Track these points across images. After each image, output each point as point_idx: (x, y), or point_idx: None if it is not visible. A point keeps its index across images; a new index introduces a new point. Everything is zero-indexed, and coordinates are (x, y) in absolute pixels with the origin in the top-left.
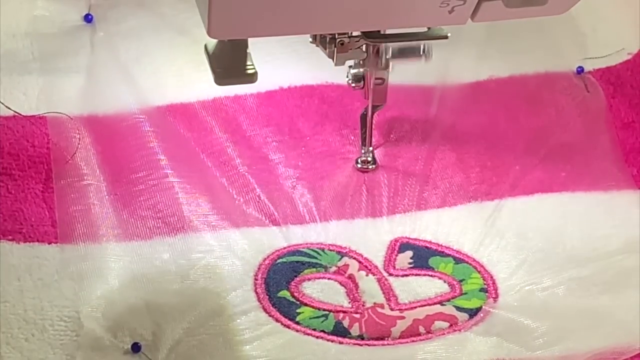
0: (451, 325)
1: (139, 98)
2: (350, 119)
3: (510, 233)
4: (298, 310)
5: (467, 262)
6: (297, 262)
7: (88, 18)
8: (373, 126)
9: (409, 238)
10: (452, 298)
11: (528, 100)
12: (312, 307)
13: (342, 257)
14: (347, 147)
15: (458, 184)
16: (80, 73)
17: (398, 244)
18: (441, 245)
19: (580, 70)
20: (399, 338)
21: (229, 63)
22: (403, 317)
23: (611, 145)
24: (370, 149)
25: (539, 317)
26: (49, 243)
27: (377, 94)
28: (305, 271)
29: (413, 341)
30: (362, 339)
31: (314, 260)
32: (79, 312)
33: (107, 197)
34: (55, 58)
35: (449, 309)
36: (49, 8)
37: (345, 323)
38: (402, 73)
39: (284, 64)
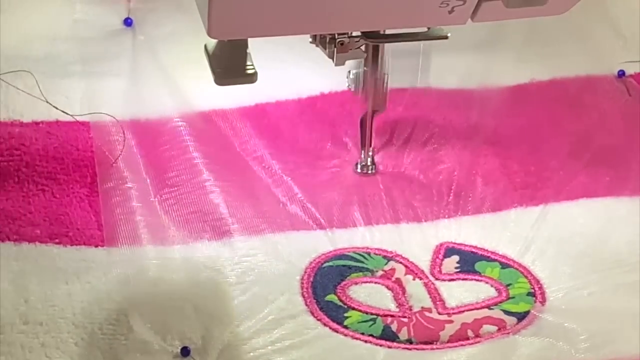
0: (499, 329)
1: (180, 102)
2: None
3: (556, 238)
4: (346, 314)
5: (513, 267)
6: (343, 266)
7: (128, 22)
8: (372, 130)
9: (454, 243)
10: (500, 302)
11: (570, 103)
12: (360, 311)
13: (388, 261)
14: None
15: (502, 189)
16: (122, 77)
17: (443, 248)
18: (487, 250)
19: (621, 74)
20: (448, 342)
21: (229, 63)
22: (451, 321)
23: None
24: (370, 153)
25: (585, 320)
26: (96, 246)
27: (376, 99)
28: (352, 275)
29: (462, 345)
30: (411, 343)
31: (360, 264)
32: (128, 316)
33: (152, 200)
34: (96, 62)
35: (496, 313)
36: (88, 12)
37: (394, 327)
38: (442, 77)
39: (323, 68)
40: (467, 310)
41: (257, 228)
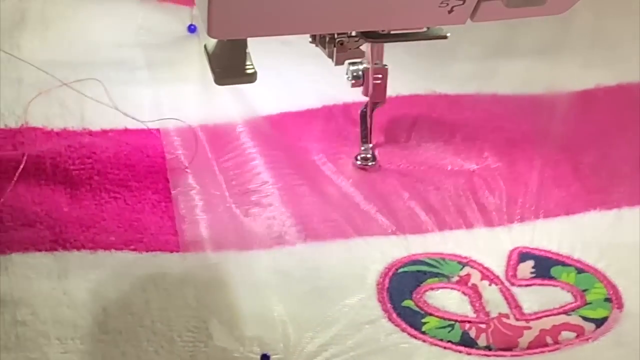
0: (578, 335)
1: (248, 107)
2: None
3: (631, 242)
4: (423, 320)
5: (589, 272)
6: (418, 271)
7: (191, 28)
8: (372, 123)
9: (528, 247)
10: (577, 308)
11: (637, 108)
12: (438, 317)
13: (463, 266)
14: (463, 155)
15: (575, 193)
16: (189, 83)
17: (517, 253)
18: (561, 255)
19: None
20: (527, 349)
21: (229, 63)
22: (529, 328)
23: None
24: (370, 146)
25: None
26: (171, 252)
27: (376, 92)
28: (428, 280)
29: (542, 352)
30: (490, 349)
31: (435, 270)
32: (207, 322)
33: (226, 204)
34: (162, 68)
35: (575, 319)
36: (152, 19)
37: (472, 333)
38: (507, 82)
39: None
40: (545, 317)
41: (331, 232)
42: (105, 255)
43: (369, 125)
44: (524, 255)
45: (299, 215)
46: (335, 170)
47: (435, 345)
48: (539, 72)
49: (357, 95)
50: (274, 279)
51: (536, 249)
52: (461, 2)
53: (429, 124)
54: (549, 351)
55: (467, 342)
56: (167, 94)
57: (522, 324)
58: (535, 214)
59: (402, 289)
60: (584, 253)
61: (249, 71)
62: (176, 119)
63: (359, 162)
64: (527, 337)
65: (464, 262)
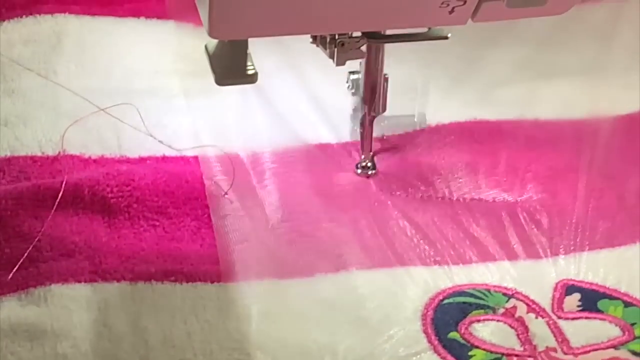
0: None
1: (287, 135)
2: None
3: None
4: (470, 353)
5: (637, 306)
6: (464, 302)
7: None
8: (372, 132)
9: (574, 280)
10: (626, 342)
11: None
12: (484, 349)
13: (509, 298)
14: (506, 186)
15: (620, 224)
16: (226, 109)
17: (563, 285)
18: (608, 288)
19: None
20: None
21: (229, 63)
22: None
23: None
24: (370, 154)
25: None
26: (212, 282)
27: (376, 101)
28: (474, 312)
29: None
30: None
31: (481, 302)
32: (250, 355)
33: (267, 232)
34: (200, 94)
35: (624, 354)
36: (188, 44)
37: None
38: (550, 106)
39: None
40: (593, 350)
41: (377, 262)
42: (146, 288)
43: (367, 135)
44: (570, 288)
45: (341, 243)
46: (378, 199)
47: None
48: (581, 95)
49: None
50: (316, 309)
51: (582, 281)
52: (462, 3)
53: (470, 153)
54: None
55: None
56: (204, 122)
57: (570, 358)
58: (581, 245)
59: (448, 321)
60: (631, 286)
61: (249, 72)
62: (213, 145)
63: (358, 171)
64: None
65: (510, 294)
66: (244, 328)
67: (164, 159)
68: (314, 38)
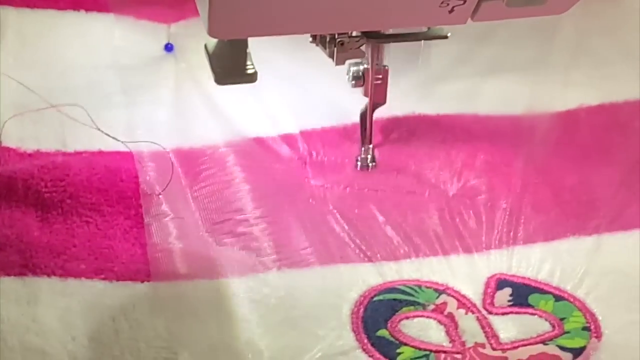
0: None
1: (224, 130)
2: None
3: (610, 270)
4: (398, 350)
5: (567, 300)
6: (394, 299)
7: (168, 47)
8: (373, 125)
9: (506, 274)
10: (555, 337)
11: (621, 130)
12: (413, 346)
13: (439, 294)
14: (442, 179)
15: (554, 219)
16: (165, 105)
17: (495, 280)
18: (540, 282)
19: None
20: None
21: (229, 63)
22: (505, 358)
23: None
24: (370, 147)
25: None
26: (142, 281)
27: (377, 93)
28: (403, 309)
29: None
30: None
31: (411, 298)
32: (177, 354)
33: (198, 232)
34: (138, 90)
35: (552, 349)
36: (129, 39)
37: None
38: (487, 101)
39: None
40: (522, 346)
41: (306, 260)
42: (76, 284)
43: (368, 127)
44: (501, 283)
45: (274, 243)
46: (313, 194)
47: None
48: (520, 91)
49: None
50: (247, 309)
51: (514, 275)
52: (462, 2)
53: (408, 147)
54: None
55: None
56: (142, 117)
57: (499, 353)
58: (514, 240)
59: (377, 318)
60: (563, 280)
61: (249, 71)
62: (152, 142)
63: (359, 164)
64: None
65: (441, 290)
66: (172, 327)
67: (101, 153)
68: (314, 37)
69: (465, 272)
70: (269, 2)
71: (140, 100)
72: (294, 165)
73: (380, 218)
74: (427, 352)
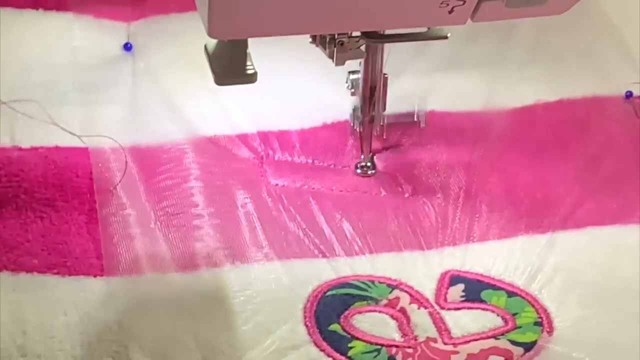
0: (506, 359)
1: (181, 128)
2: None
3: (563, 266)
4: (350, 345)
5: (520, 296)
6: (347, 294)
7: (127, 47)
8: (372, 133)
9: (459, 271)
10: (506, 332)
11: (577, 126)
12: (364, 341)
13: (392, 289)
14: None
15: (508, 217)
16: (122, 104)
17: (448, 276)
18: (493, 278)
19: (629, 95)
20: None
21: (229, 63)
22: (457, 352)
23: None
24: (370, 154)
25: (595, 351)
26: (95, 276)
27: (376, 101)
28: (356, 304)
29: None
30: None
31: (364, 293)
32: (127, 348)
33: (152, 227)
34: (96, 89)
35: (503, 343)
36: (88, 38)
37: (398, 358)
38: (444, 98)
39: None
40: (473, 340)
41: (260, 256)
42: (28, 279)
43: (367, 135)
44: (455, 279)
45: (228, 238)
46: (268, 192)
47: None
48: (477, 87)
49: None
50: (198, 303)
51: (467, 272)
52: (461, 3)
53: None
54: None
55: None
56: (98, 115)
57: (450, 348)
58: (468, 237)
59: (330, 313)
60: (516, 277)
61: (249, 71)
62: (108, 137)
63: (358, 171)
64: None
65: (394, 285)
66: (124, 321)
67: (57, 149)
68: (314, 38)
69: (419, 269)
70: (269, 3)
71: (97, 98)
72: (251, 164)
73: (336, 215)
74: (379, 347)
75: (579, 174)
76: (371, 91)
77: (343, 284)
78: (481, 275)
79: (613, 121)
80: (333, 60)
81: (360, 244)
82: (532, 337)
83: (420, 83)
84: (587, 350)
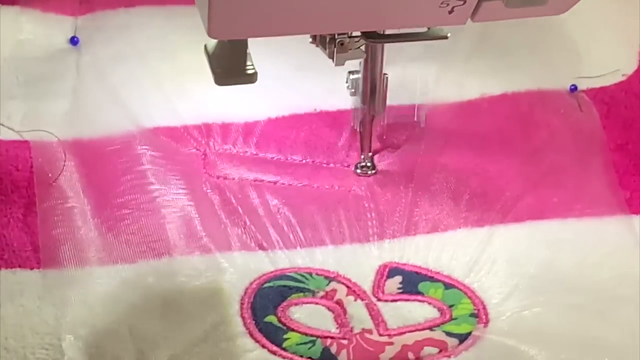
0: (441, 350)
1: (124, 122)
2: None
3: (501, 259)
4: (285, 336)
5: (457, 288)
6: (284, 286)
7: (74, 41)
8: (372, 133)
9: (398, 263)
10: (442, 323)
11: (521, 119)
12: (300, 332)
13: (330, 281)
14: (340, 173)
15: (448, 211)
16: (66, 97)
17: (387, 269)
18: (431, 271)
19: (573, 89)
20: None
21: (229, 63)
22: (392, 343)
23: (604, 168)
24: (370, 154)
25: (529, 342)
26: (31, 268)
27: (376, 101)
28: (293, 296)
29: None
30: None
31: (301, 285)
32: (61, 340)
33: (91, 220)
34: (40, 82)
35: (438, 335)
36: (34, 31)
37: (333, 349)
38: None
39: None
40: (409, 332)
41: (199, 248)
42: None
43: (368, 135)
44: (392, 271)
45: (166, 230)
46: (210, 184)
47: None
48: (422, 81)
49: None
50: (135, 295)
51: (406, 264)
52: (462, 3)
53: (307, 139)
54: None
55: (327, 358)
56: (41, 108)
57: (385, 339)
58: (408, 230)
59: (266, 304)
60: (454, 269)
61: (249, 71)
62: (48, 132)
63: (358, 171)
64: (389, 352)
65: (331, 278)
66: (59, 314)
67: None
68: (314, 38)
69: (357, 261)
70: (269, 3)
71: (41, 91)
72: (194, 156)
73: (276, 208)
74: (314, 338)
75: (520, 168)
76: (371, 91)
77: (281, 276)
78: (419, 267)
79: (557, 115)
80: (333, 60)
81: (300, 236)
82: (468, 329)
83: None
84: (522, 341)
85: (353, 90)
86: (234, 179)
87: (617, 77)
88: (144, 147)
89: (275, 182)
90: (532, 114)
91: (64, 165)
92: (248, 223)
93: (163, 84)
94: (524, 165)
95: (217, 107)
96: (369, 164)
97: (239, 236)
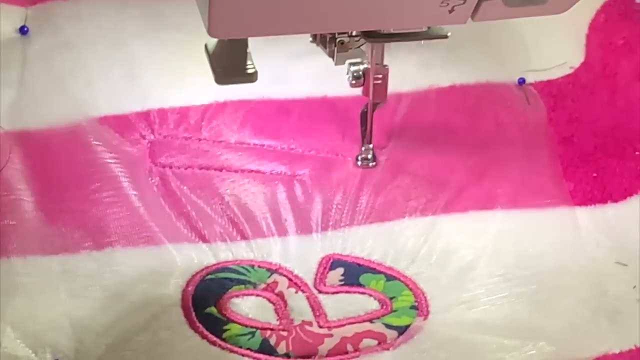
0: (379, 343)
1: (71, 111)
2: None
3: (443, 250)
4: (225, 327)
5: (398, 279)
6: (225, 278)
7: (23, 30)
8: (373, 124)
9: (340, 255)
10: (382, 315)
11: (468, 111)
12: (240, 324)
13: (271, 274)
14: (285, 160)
15: (391, 201)
16: (13, 87)
17: (329, 260)
18: (373, 262)
19: (521, 82)
20: (327, 356)
21: (229, 62)
22: (331, 335)
23: (549, 160)
24: (370, 146)
25: (470, 332)
26: None
27: (377, 92)
28: (234, 288)
29: (341, 359)
30: (289, 357)
31: (243, 277)
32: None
33: (34, 211)
34: None
35: (378, 327)
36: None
37: (272, 341)
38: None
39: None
40: (348, 324)
41: (141, 239)
42: None
43: (369, 126)
44: (335, 263)
45: (110, 220)
46: (155, 172)
47: (234, 352)
48: None
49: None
50: (76, 285)
51: (348, 256)
52: (462, 2)
53: (254, 128)
54: (348, 359)
55: (266, 349)
56: None
57: (324, 331)
58: (351, 221)
59: (207, 296)
60: (396, 260)
61: (249, 71)
62: None
63: (359, 163)
64: (328, 344)
65: (273, 270)
66: (0, 304)
67: None
68: (314, 37)
69: (299, 253)
70: (269, 2)
71: None
72: (139, 146)
73: (220, 199)
74: (254, 329)
75: (466, 159)
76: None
77: (222, 268)
78: (362, 259)
79: (504, 108)
80: (333, 60)
81: (242, 228)
82: (407, 321)
83: (313, 69)
84: (463, 332)
85: (354, 82)
86: (179, 168)
87: (565, 69)
88: (89, 137)
89: (221, 170)
90: (480, 106)
91: (9, 157)
92: (191, 214)
93: (111, 73)
94: (470, 157)
95: (162, 93)
96: (369, 156)
97: (183, 227)
